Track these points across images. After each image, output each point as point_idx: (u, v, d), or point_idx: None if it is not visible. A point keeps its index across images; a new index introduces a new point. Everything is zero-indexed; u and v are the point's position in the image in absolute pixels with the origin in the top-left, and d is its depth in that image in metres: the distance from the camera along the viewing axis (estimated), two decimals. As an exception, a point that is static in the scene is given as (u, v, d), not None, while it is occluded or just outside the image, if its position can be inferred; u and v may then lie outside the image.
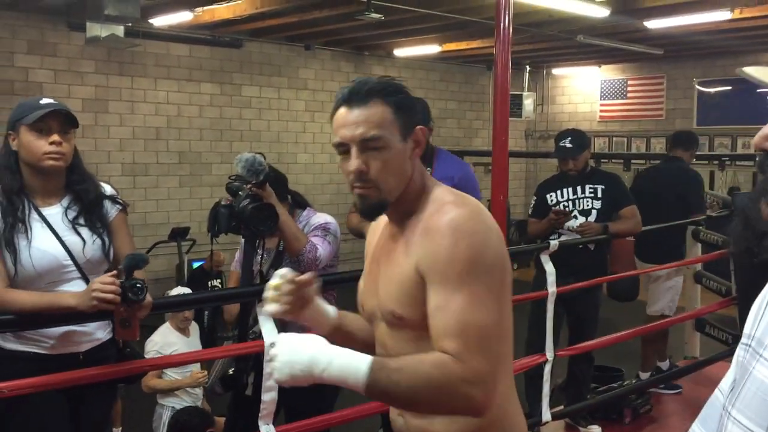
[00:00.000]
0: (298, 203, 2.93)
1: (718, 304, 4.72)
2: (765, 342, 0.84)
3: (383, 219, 1.62)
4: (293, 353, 1.32)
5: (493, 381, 1.35)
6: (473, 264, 1.36)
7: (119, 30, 7.12)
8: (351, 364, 1.32)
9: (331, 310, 1.64)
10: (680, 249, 4.79)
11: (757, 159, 0.85)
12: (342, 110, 1.45)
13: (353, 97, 1.44)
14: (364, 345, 1.60)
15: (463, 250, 1.36)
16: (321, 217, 2.84)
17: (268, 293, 1.54)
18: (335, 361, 1.32)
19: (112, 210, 2.43)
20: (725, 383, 0.94)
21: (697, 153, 5.21)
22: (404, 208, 1.50)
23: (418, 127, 1.49)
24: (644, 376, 4.55)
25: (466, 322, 1.34)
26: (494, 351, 1.37)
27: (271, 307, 1.55)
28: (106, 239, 2.35)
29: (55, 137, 2.25)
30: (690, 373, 4.47)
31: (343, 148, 1.45)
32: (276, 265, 2.74)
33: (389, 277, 1.49)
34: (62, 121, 2.28)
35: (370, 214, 1.51)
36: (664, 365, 4.70)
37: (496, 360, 1.36)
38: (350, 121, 1.43)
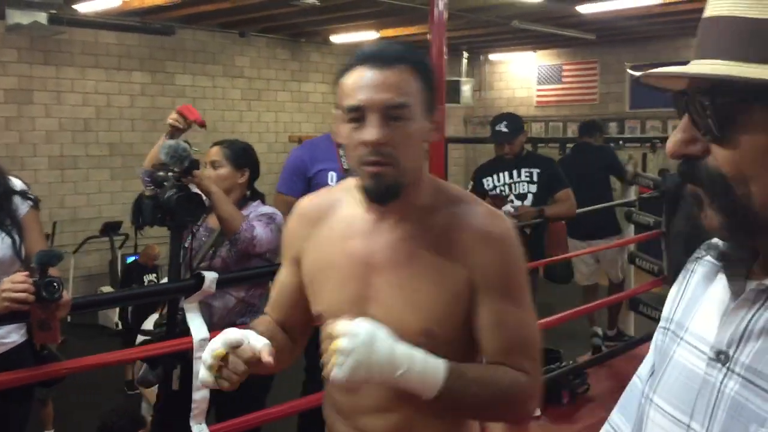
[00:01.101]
0: (255, 193, 2.87)
1: (650, 283, 4.82)
2: (685, 324, 0.83)
3: (325, 206, 1.40)
4: (371, 352, 1.14)
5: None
6: (525, 276, 1.33)
7: (42, 17, 6.83)
8: (430, 370, 1.19)
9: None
10: (616, 221, 5.27)
11: (671, 172, 0.83)
12: (361, 69, 1.24)
13: (379, 57, 1.23)
14: (279, 354, 1.36)
15: (520, 261, 1.32)
16: (269, 209, 2.81)
17: (208, 359, 1.24)
18: (415, 366, 1.18)
19: (22, 206, 2.29)
20: (643, 369, 0.92)
21: (630, 136, 5.70)
22: (417, 203, 1.31)
23: (441, 106, 1.32)
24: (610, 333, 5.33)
25: (527, 336, 1.31)
26: (540, 358, 1.36)
27: (207, 378, 1.25)
28: (17, 237, 2.22)
29: None
30: (625, 352, 4.55)
31: (356, 114, 1.23)
32: (218, 245, 2.66)
33: (416, 288, 1.28)
34: None
35: (384, 198, 1.26)
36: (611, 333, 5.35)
37: None
38: (374, 82, 1.21)
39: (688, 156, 0.71)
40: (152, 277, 6.23)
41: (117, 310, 6.55)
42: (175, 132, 2.63)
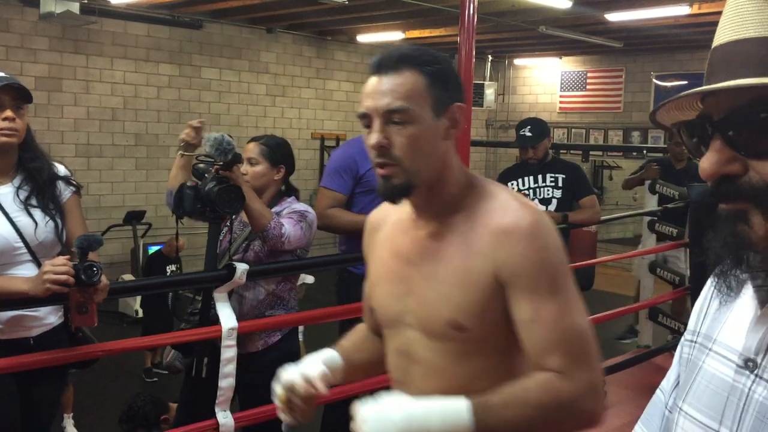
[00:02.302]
0: (290, 189, 2.90)
1: (671, 294, 4.82)
2: (713, 336, 0.85)
3: (387, 213, 1.49)
4: (384, 424, 1.17)
5: (603, 385, 1.26)
6: (561, 268, 1.28)
7: (74, 6, 6.93)
8: (450, 416, 1.18)
9: (336, 359, 1.47)
10: None
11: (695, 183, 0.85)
12: (372, 79, 1.30)
13: (383, 65, 1.29)
14: (371, 364, 1.55)
15: (551, 254, 1.27)
16: (302, 206, 2.83)
17: (276, 401, 1.42)
18: (432, 418, 1.18)
19: (65, 191, 2.35)
20: (666, 383, 0.94)
21: (655, 146, 5.48)
22: (445, 200, 1.33)
23: (456, 104, 1.32)
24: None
25: (566, 331, 1.25)
26: (596, 354, 1.28)
27: (285, 418, 1.43)
28: (59, 221, 2.28)
29: (8, 113, 2.16)
30: (644, 361, 4.55)
31: (366, 121, 1.30)
32: (251, 239, 2.70)
33: (443, 280, 1.31)
34: (15, 96, 2.19)
35: (392, 198, 1.31)
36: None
37: (599, 363, 1.27)
38: (376, 89, 1.28)
39: (728, 175, 0.73)
40: (175, 267, 6.29)
41: (138, 298, 6.62)
42: (188, 147, 2.66)
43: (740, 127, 0.71)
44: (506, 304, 1.28)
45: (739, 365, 0.78)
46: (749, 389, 0.76)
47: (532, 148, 4.12)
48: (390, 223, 1.46)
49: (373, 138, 1.28)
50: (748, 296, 0.81)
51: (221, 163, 2.48)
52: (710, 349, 0.85)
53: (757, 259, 0.77)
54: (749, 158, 0.71)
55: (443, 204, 1.34)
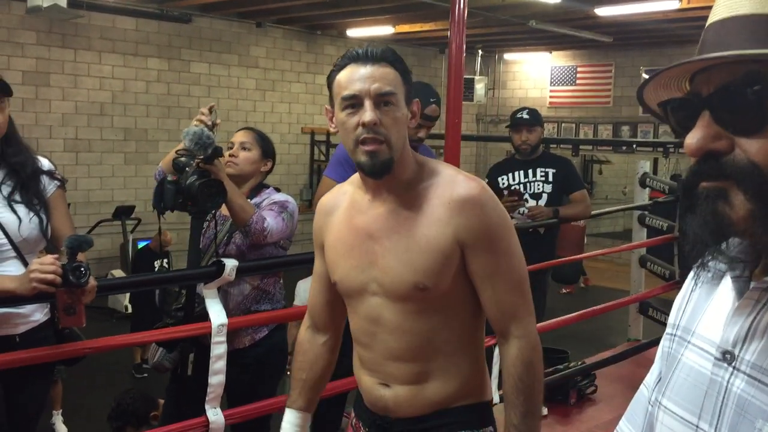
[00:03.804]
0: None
1: (661, 287, 4.83)
2: (692, 329, 0.84)
3: (337, 198, 1.66)
4: None
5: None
6: (509, 227, 1.53)
7: (62, 0, 6.86)
8: None
9: (301, 418, 1.74)
10: None
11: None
12: (353, 66, 1.48)
13: (367, 56, 1.48)
14: (329, 370, 1.80)
15: (501, 217, 1.51)
16: (282, 196, 2.80)
17: None
18: None
19: (49, 186, 2.32)
20: (650, 378, 0.94)
21: (644, 140, 5.42)
22: (401, 179, 1.52)
23: (415, 99, 1.55)
24: None
25: (518, 282, 1.52)
26: (531, 296, 1.57)
27: None
28: (44, 217, 2.24)
29: None
30: (634, 354, 4.57)
31: (353, 101, 1.46)
32: (232, 232, 2.68)
33: (406, 248, 1.49)
34: None
35: (380, 172, 1.48)
36: None
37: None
38: (365, 75, 1.46)
39: (714, 152, 0.72)
40: (163, 261, 6.26)
41: (127, 294, 6.59)
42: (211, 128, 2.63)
43: (729, 103, 0.70)
44: (461, 264, 1.50)
45: (717, 358, 0.77)
46: (728, 382, 0.75)
47: (527, 131, 4.12)
48: (344, 207, 1.63)
49: (368, 116, 1.44)
50: (726, 287, 0.80)
51: (202, 156, 2.45)
52: (689, 342, 0.84)
53: (735, 249, 0.77)
54: (736, 134, 0.70)
55: (399, 183, 1.52)
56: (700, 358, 0.81)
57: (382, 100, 1.45)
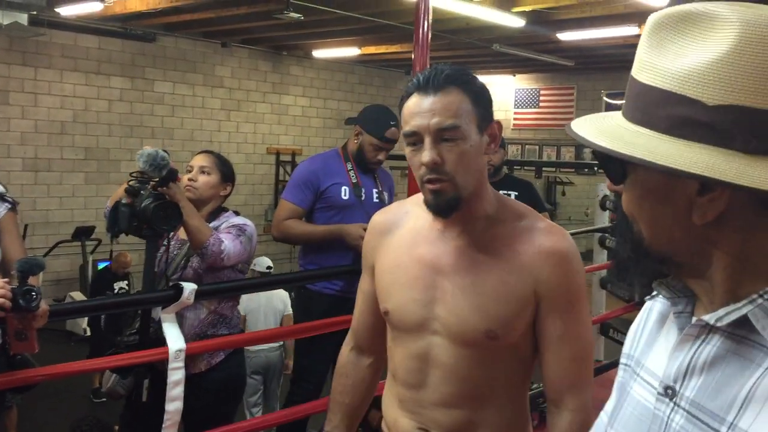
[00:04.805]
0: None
1: (622, 309, 4.88)
2: (642, 362, 0.86)
3: (396, 219, 1.53)
4: None
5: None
6: (585, 292, 1.44)
7: (23, 18, 6.79)
8: None
9: None
10: None
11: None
12: (415, 97, 1.36)
13: (429, 84, 1.34)
14: (369, 395, 1.69)
15: (581, 277, 1.43)
16: (240, 219, 2.78)
17: None
18: None
19: (0, 208, 2.27)
20: (609, 405, 0.94)
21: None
22: (479, 215, 1.41)
23: (495, 121, 1.43)
24: None
25: (585, 351, 1.44)
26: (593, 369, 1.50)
27: None
28: (-5, 240, 2.19)
29: None
30: (596, 375, 4.60)
31: (414, 138, 1.35)
32: (190, 255, 2.64)
33: (481, 292, 1.39)
34: None
35: (446, 211, 1.37)
36: None
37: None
38: (425, 108, 1.33)
39: (618, 192, 0.80)
40: (123, 284, 6.16)
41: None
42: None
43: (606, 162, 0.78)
44: (534, 317, 1.40)
45: (660, 392, 0.78)
46: (668, 417, 0.76)
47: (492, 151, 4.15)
48: (406, 229, 1.50)
49: (427, 156, 1.32)
50: (672, 321, 0.81)
51: (157, 179, 2.42)
52: (638, 375, 0.85)
53: (678, 284, 0.79)
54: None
55: (477, 220, 1.41)
56: (645, 392, 0.82)
57: (444, 135, 1.32)
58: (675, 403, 0.76)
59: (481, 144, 1.38)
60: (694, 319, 0.77)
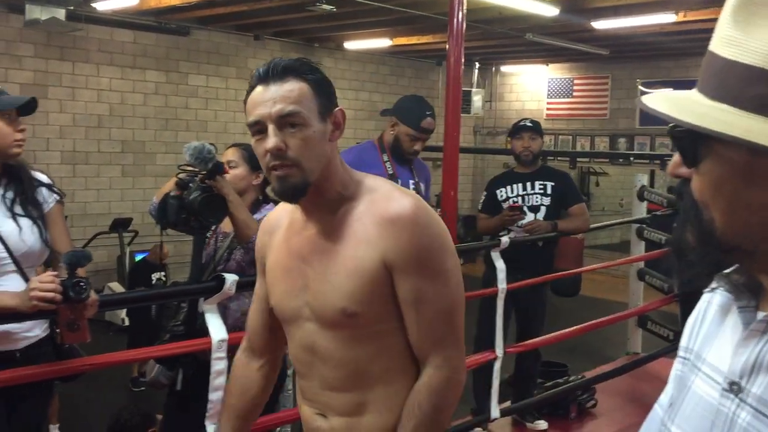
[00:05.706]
0: (267, 198, 2.88)
1: (660, 301, 4.83)
2: (703, 356, 0.84)
3: (280, 217, 1.57)
4: None
5: (464, 355, 1.47)
6: (442, 251, 1.41)
7: (60, 13, 6.90)
8: None
9: None
10: None
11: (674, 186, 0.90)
12: (258, 88, 1.39)
13: (270, 75, 1.38)
14: (257, 400, 1.69)
15: (433, 239, 1.40)
16: None
17: None
18: None
19: (49, 199, 2.32)
20: (664, 398, 0.93)
21: (641, 152, 5.47)
22: (332, 197, 1.43)
23: (337, 108, 1.45)
24: None
25: (449, 310, 1.42)
26: (462, 328, 1.46)
27: None
28: (44, 230, 2.24)
29: (23, 125, 2.16)
30: (633, 369, 4.56)
31: (258, 127, 1.37)
32: (233, 248, 2.68)
33: (335, 272, 1.41)
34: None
35: (292, 197, 1.41)
36: None
37: (462, 337, 1.46)
38: (267, 98, 1.36)
39: (681, 176, 0.77)
40: (161, 274, 6.24)
41: (124, 307, 6.56)
42: None
43: (679, 140, 0.75)
44: (393, 288, 1.40)
45: (725, 388, 0.77)
46: (733, 413, 0.75)
47: (530, 137, 4.15)
48: (284, 226, 1.54)
49: (271, 142, 1.35)
50: (736, 316, 0.80)
51: (204, 172, 2.47)
52: (700, 369, 0.84)
53: (740, 278, 0.77)
54: (689, 167, 0.76)
55: (330, 202, 1.43)
56: (708, 388, 0.81)
57: (286, 122, 1.35)
58: (741, 399, 0.74)
59: (325, 130, 1.40)
60: (760, 314, 0.75)
